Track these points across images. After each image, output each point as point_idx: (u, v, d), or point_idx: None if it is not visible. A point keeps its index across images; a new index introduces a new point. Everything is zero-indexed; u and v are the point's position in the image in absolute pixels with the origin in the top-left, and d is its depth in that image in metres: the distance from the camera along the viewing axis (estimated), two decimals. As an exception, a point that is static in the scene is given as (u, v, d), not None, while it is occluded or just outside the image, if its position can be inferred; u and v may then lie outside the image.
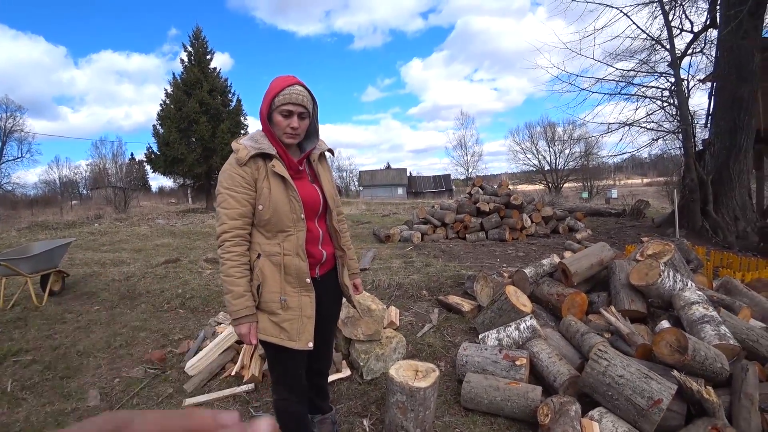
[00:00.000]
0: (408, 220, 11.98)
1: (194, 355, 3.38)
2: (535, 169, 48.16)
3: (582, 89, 10.86)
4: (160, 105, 22.60)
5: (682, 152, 10.34)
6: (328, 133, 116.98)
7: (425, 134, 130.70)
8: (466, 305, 4.60)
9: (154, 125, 22.51)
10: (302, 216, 1.81)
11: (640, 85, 10.72)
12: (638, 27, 10.11)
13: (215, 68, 23.69)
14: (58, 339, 4.15)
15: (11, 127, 43.34)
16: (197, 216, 18.42)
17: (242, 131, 23.73)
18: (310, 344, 1.82)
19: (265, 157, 1.80)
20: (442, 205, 11.64)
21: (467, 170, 60.43)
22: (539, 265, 4.60)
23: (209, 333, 3.74)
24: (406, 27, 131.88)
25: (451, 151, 62.54)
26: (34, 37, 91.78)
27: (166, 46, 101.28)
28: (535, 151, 48.05)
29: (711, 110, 10.30)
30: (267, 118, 1.83)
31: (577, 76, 10.91)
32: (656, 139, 10.79)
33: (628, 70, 10.54)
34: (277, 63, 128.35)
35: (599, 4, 10.17)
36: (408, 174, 61.96)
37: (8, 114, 43.23)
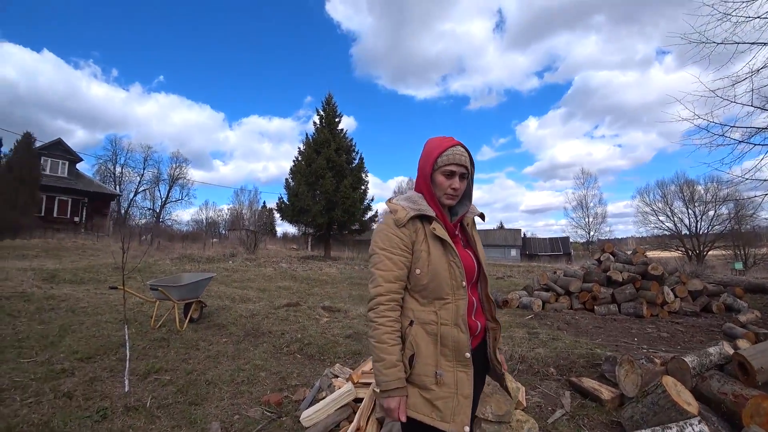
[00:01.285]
0: (527, 286, 11.18)
1: (309, 406, 3.32)
2: (669, 233, 41.41)
3: (740, 141, 9.32)
4: (293, 161, 25.17)
5: None
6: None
7: (541, 194, 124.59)
8: (605, 392, 3.94)
9: (286, 179, 25.08)
10: (463, 284, 1.66)
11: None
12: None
13: (342, 129, 25.91)
14: (191, 364, 4.45)
15: (177, 175, 52.56)
16: (316, 263, 19.51)
17: (362, 187, 25.14)
18: (467, 428, 1.58)
19: (423, 219, 1.71)
20: (566, 272, 10.68)
21: (588, 233, 55.51)
22: (704, 354, 3.82)
23: (325, 384, 3.69)
24: (521, 86, 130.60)
25: (570, 212, 57.86)
26: (203, 105, 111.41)
27: (301, 111, 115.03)
28: (669, 213, 41.66)
29: None
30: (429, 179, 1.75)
31: (731, 126, 9.42)
32: None
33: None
34: (396, 124, 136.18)
35: (752, 44, 8.84)
36: (522, 235, 59.27)
37: (176, 164, 52.64)
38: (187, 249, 22.45)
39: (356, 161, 25.74)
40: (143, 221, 48.53)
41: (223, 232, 58.65)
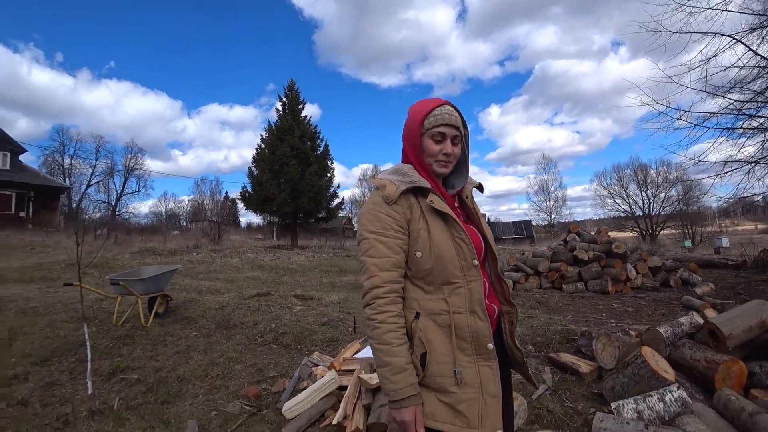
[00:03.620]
0: (496, 270, 11.33)
1: (291, 397, 3.18)
2: (624, 215, 43.73)
3: (696, 125, 9.68)
4: (256, 149, 24.47)
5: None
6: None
7: (503, 180, 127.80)
8: (584, 366, 4.00)
9: (249, 167, 24.36)
10: (475, 262, 1.42)
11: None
12: (755, 53, 8.95)
13: (306, 116, 25.35)
14: (160, 361, 4.20)
15: (133, 166, 50.12)
16: (283, 252, 19.13)
17: (328, 174, 24.79)
18: None
19: (417, 192, 1.46)
20: (534, 253, 10.91)
21: (549, 216, 57.48)
22: (677, 324, 3.93)
23: (305, 373, 3.55)
24: (484, 75, 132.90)
25: (532, 196, 59.55)
26: (159, 93, 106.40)
27: (263, 99, 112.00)
28: (625, 196, 43.89)
29: None
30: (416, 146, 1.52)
31: (686, 111, 9.79)
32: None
33: (745, 101, 9.31)
34: (361, 113, 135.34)
35: (704, 33, 9.19)
36: (486, 219, 60.28)
37: (131, 155, 50.16)
38: (147, 242, 21.53)
39: (321, 148, 25.32)
40: (98, 215, 46.09)
41: (185, 223, 56.84)
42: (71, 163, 47.59)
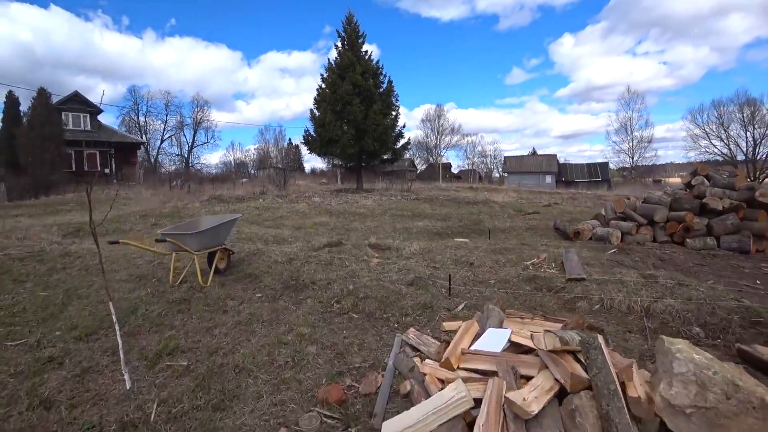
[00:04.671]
0: (598, 214, 9.70)
1: (388, 403, 2.16)
2: (721, 159, 38.60)
3: None
4: (317, 89, 23.22)
5: None
6: (469, 118, 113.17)
7: (575, 118, 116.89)
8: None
9: (311, 109, 23.30)
10: None
11: None
12: None
13: (367, 51, 23.47)
14: (216, 338, 3.38)
15: (200, 119, 51.44)
16: (349, 196, 18.38)
17: (393, 113, 23.18)
18: None
19: None
20: (649, 198, 9.07)
21: (631, 158, 52.37)
22: None
23: (404, 366, 2.52)
24: (556, 1, 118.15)
25: (612, 134, 54.17)
26: (219, 45, 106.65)
27: (321, 42, 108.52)
28: (724, 136, 38.65)
29: None
30: None
31: None
32: None
33: None
34: (421, 50, 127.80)
35: None
36: (557, 161, 56.23)
37: (198, 108, 51.39)
38: (217, 190, 21.73)
39: (384, 85, 23.53)
40: (173, 167, 48.43)
41: (252, 171, 58.33)
42: (145, 120, 49.85)
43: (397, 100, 23.55)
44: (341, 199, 16.59)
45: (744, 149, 37.77)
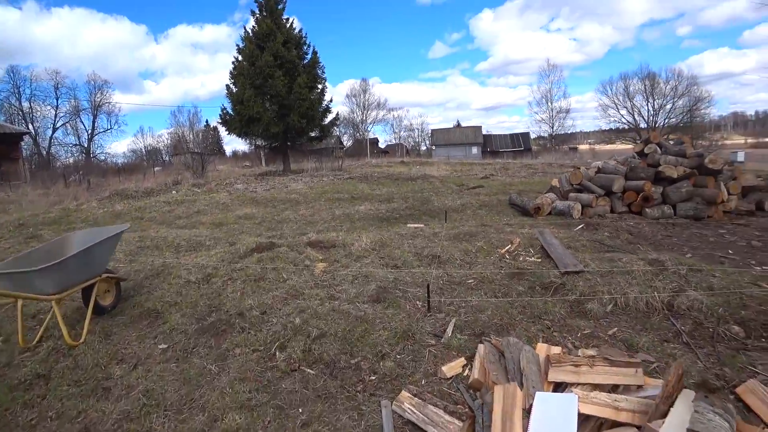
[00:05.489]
0: (554, 187, 9.10)
1: None
2: (627, 127, 43.45)
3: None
4: (233, 62, 20.73)
5: None
6: (393, 92, 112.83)
7: (494, 91, 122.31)
8: None
9: (227, 85, 20.74)
10: None
11: None
12: None
13: (288, 19, 21.28)
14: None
15: (100, 102, 45.40)
16: (277, 179, 16.60)
17: (320, 86, 21.39)
18: None
19: None
20: (604, 168, 8.57)
21: (552, 127, 55.24)
22: None
23: None
24: None
25: (534, 105, 57.30)
26: (119, 17, 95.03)
27: (237, 15, 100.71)
28: (629, 106, 43.04)
29: None
30: None
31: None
32: None
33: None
34: (344, 23, 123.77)
35: None
36: (482, 132, 57.60)
37: (97, 90, 45.24)
38: (124, 183, 18.87)
39: (309, 56, 21.53)
40: (71, 160, 42.44)
41: (167, 158, 53.34)
42: (30, 106, 42.56)
43: (323, 72, 21.79)
44: (268, 184, 14.85)
45: (646, 118, 42.26)
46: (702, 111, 39.81)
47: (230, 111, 20.70)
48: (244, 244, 5.66)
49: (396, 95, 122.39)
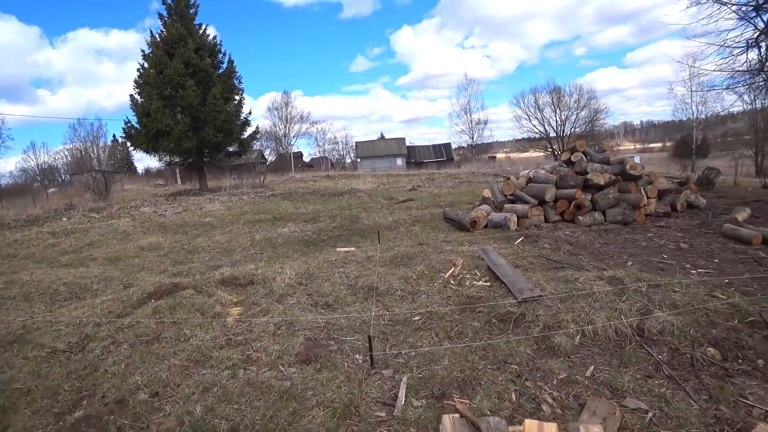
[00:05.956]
0: (486, 198, 8.87)
1: None
2: (539, 136, 46.88)
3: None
4: (138, 70, 18.74)
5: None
6: (316, 105, 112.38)
7: (415, 103, 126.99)
8: None
9: (131, 95, 18.62)
10: None
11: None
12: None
13: (201, 25, 19.70)
14: None
15: (-28, 111, 39.40)
16: (191, 200, 15.02)
17: (237, 97, 20.00)
18: None
19: None
20: (535, 177, 8.51)
21: (471, 137, 57.86)
22: None
23: None
24: None
25: (454, 116, 60.25)
26: (6, 16, 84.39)
27: (147, 21, 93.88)
28: (540, 117, 46.80)
29: None
30: None
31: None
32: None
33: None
34: (265, 35, 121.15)
35: None
36: (406, 143, 58.76)
37: None
38: (10, 208, 16.15)
39: (225, 65, 20.04)
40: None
41: (67, 177, 47.79)
42: None
43: (240, 82, 20.43)
44: (180, 206, 13.34)
45: (554, 127, 46.11)
46: (601, 121, 44.87)
47: (135, 124, 18.67)
48: (141, 287, 4.60)
49: (319, 108, 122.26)
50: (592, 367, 2.81)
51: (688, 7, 9.63)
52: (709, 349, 2.86)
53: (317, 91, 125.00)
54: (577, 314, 3.43)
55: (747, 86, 10.30)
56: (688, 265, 5.22)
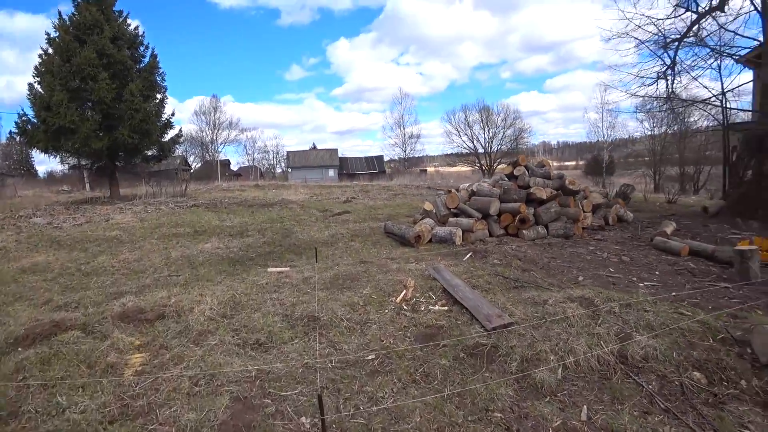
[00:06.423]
0: (428, 211, 8.48)
1: None
2: (468, 152, 49.44)
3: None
4: (40, 56, 16.22)
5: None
6: (247, 112, 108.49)
7: (349, 115, 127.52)
8: None
9: (30, 84, 15.97)
10: None
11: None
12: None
13: (122, 12, 17.59)
14: None
15: None
16: (98, 209, 13.14)
17: (159, 95, 18.06)
18: None
19: None
20: (479, 191, 8.27)
21: (404, 150, 59.05)
22: None
23: None
24: (335, 5, 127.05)
25: (388, 129, 61.54)
26: None
27: (62, 6, 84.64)
28: (469, 133, 49.39)
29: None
30: None
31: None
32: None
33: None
34: (196, 34, 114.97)
35: None
36: (338, 155, 58.38)
37: None
38: None
39: (146, 59, 17.97)
40: None
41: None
42: None
43: (163, 80, 18.41)
44: (83, 216, 11.57)
45: (483, 144, 48.92)
46: (525, 139, 48.62)
47: (32, 118, 16.19)
48: (7, 329, 3.48)
49: (250, 115, 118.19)
50: (585, 407, 2.53)
51: (609, 40, 11.40)
52: (695, 373, 2.77)
53: (249, 98, 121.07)
54: (554, 343, 3.04)
55: (647, 113, 12.49)
56: (634, 279, 5.17)
